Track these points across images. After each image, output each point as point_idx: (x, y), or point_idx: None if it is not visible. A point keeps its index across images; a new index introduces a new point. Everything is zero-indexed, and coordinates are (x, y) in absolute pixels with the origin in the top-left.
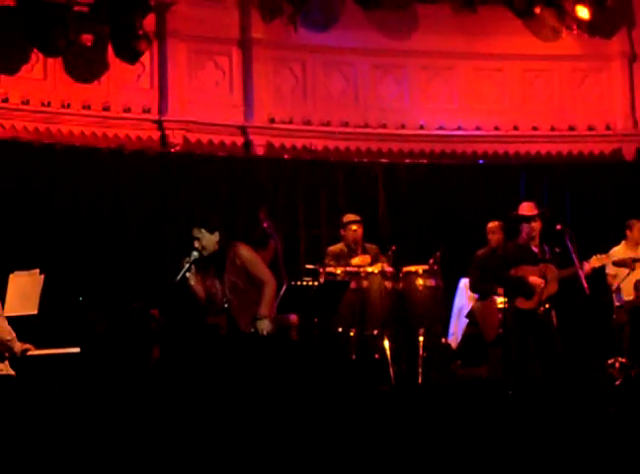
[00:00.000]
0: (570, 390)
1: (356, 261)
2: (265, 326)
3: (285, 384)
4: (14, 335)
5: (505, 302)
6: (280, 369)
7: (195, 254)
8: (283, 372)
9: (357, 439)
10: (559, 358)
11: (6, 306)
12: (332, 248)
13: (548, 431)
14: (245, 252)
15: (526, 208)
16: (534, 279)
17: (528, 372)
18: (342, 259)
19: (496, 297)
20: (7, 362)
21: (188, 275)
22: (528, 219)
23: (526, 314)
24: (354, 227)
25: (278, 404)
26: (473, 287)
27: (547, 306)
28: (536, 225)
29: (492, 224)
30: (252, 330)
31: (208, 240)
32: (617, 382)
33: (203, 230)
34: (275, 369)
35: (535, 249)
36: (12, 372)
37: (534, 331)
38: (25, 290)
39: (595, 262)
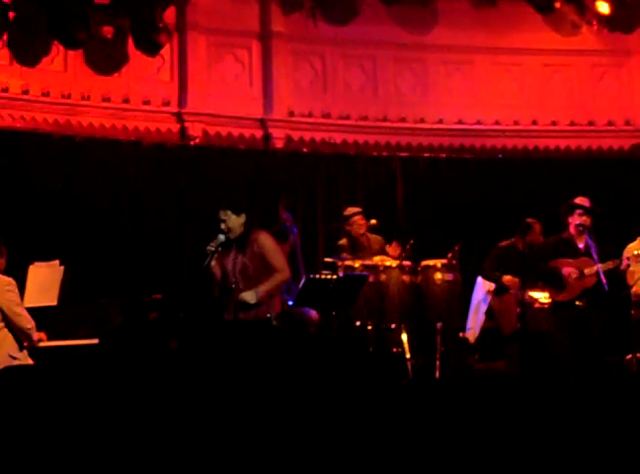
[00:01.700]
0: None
1: (376, 259)
2: (249, 297)
3: (303, 376)
4: (33, 323)
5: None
6: (297, 362)
7: (221, 237)
8: (301, 364)
9: (373, 433)
10: (594, 355)
11: (25, 297)
12: (341, 242)
13: (564, 425)
14: (266, 240)
15: (582, 201)
16: (567, 270)
17: (559, 366)
18: (350, 253)
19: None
20: (26, 352)
21: (214, 259)
22: (587, 210)
23: (563, 306)
24: (360, 220)
25: (294, 397)
26: (482, 273)
27: (584, 301)
28: (589, 219)
29: (533, 221)
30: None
31: (235, 222)
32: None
33: (230, 212)
34: (293, 362)
35: (580, 244)
36: (30, 362)
37: (571, 325)
38: (44, 282)
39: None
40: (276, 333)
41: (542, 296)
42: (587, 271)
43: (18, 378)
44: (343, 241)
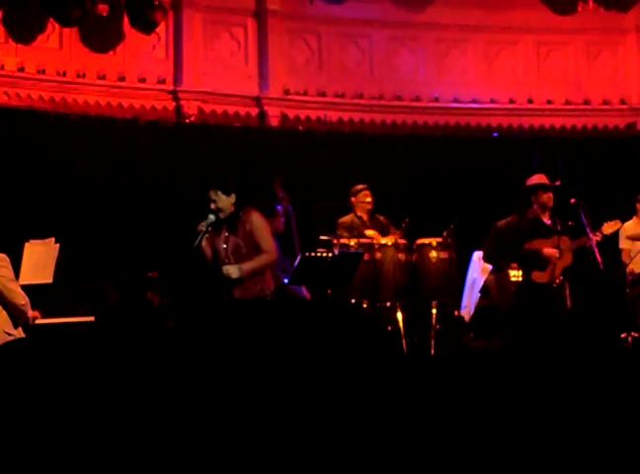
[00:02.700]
0: (580, 364)
1: (369, 232)
2: (232, 271)
3: (299, 354)
4: (27, 300)
5: (520, 276)
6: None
7: (211, 217)
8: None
9: (369, 409)
10: (565, 334)
11: (21, 275)
12: (343, 219)
13: (557, 403)
14: (256, 218)
15: (540, 179)
16: (549, 251)
17: (539, 346)
18: (354, 229)
19: (510, 270)
20: (20, 329)
21: (205, 237)
22: (545, 188)
23: (541, 287)
24: (367, 197)
25: (292, 373)
26: (487, 257)
27: (561, 279)
28: (551, 196)
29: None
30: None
31: (225, 202)
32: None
33: (220, 192)
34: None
35: (547, 221)
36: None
37: (546, 305)
38: (40, 259)
39: (606, 229)
40: (272, 309)
41: (514, 274)
42: (563, 248)
43: (16, 353)
44: (344, 218)
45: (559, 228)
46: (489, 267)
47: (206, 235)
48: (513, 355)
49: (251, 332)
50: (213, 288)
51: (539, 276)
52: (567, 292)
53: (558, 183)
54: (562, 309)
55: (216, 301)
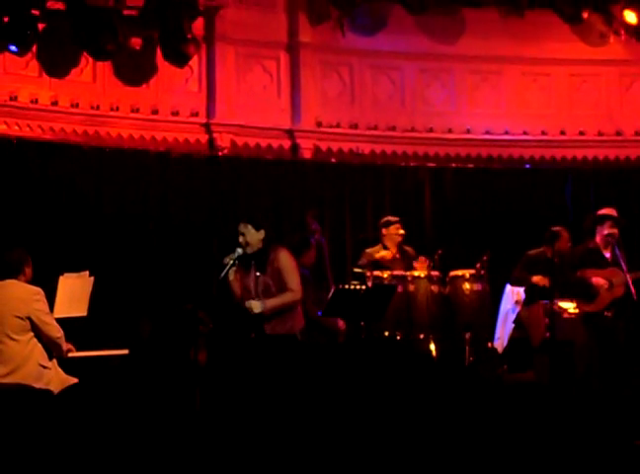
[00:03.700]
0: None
1: (381, 254)
2: (255, 306)
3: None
4: (62, 333)
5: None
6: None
7: (239, 251)
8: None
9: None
10: (621, 367)
11: (55, 308)
12: (369, 250)
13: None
14: (284, 256)
15: (610, 212)
16: (597, 281)
17: (589, 378)
18: (380, 263)
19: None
20: (55, 362)
21: (231, 272)
22: (614, 221)
23: (592, 317)
24: (399, 229)
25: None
26: (512, 280)
27: (612, 311)
28: (617, 230)
29: (561, 230)
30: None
31: (253, 236)
32: None
33: (250, 226)
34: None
35: (607, 254)
36: (60, 371)
37: (599, 335)
38: (74, 292)
39: None
40: (302, 348)
41: (571, 306)
42: (615, 281)
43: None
44: (371, 249)
45: (621, 263)
46: (522, 297)
47: (234, 269)
48: (547, 387)
49: (280, 369)
50: (243, 325)
51: (587, 306)
52: (620, 325)
53: (624, 221)
54: (615, 342)
55: (247, 338)
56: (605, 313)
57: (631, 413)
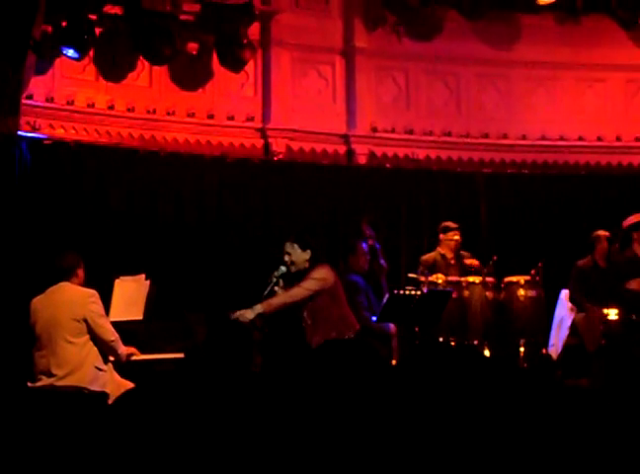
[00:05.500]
0: None
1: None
2: (247, 314)
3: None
4: (117, 336)
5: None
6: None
7: (282, 269)
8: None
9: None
10: None
11: (111, 311)
12: (425, 257)
13: None
14: (318, 268)
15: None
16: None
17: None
18: (436, 269)
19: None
20: (111, 365)
21: (276, 288)
22: None
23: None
24: (456, 235)
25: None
26: (572, 299)
27: None
28: None
29: (600, 233)
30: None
31: (299, 256)
32: None
33: (296, 246)
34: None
35: None
36: (116, 375)
37: None
38: (130, 296)
39: None
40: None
41: (613, 313)
42: None
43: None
44: (426, 256)
45: None
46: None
47: (279, 287)
48: (603, 394)
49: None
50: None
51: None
52: None
53: None
54: None
55: (297, 352)
56: None
57: None
